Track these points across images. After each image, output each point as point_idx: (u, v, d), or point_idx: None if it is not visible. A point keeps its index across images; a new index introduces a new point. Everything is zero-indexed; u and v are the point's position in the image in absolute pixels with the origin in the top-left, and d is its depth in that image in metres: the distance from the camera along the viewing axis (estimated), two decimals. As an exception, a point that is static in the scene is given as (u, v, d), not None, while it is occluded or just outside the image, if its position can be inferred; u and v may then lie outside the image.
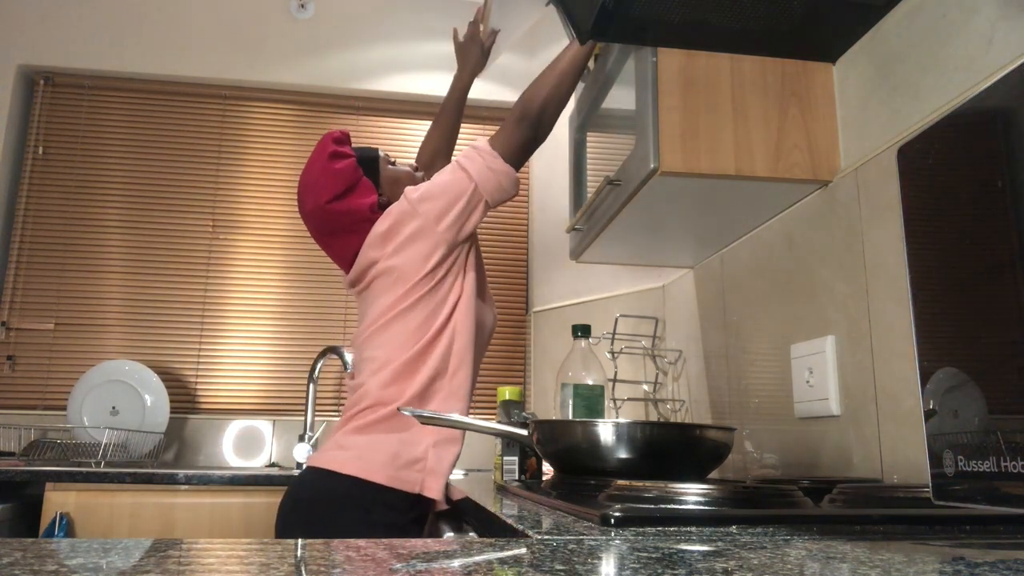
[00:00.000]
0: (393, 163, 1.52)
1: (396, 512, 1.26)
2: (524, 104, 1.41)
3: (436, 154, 1.78)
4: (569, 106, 1.66)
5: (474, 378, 1.41)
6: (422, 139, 1.88)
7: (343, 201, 1.41)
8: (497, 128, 1.45)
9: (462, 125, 3.02)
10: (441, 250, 1.37)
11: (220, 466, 2.59)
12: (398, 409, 1.23)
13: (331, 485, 1.26)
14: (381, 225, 1.40)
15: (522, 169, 3.31)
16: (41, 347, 2.69)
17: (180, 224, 2.84)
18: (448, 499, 1.33)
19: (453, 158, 1.49)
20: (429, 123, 3.05)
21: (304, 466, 1.38)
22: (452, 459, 1.32)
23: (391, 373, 1.33)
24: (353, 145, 1.49)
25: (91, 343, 2.71)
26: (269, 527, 2.06)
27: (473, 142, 1.44)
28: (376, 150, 1.50)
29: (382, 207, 1.44)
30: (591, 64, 1.59)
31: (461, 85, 1.82)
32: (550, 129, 1.44)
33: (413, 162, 1.58)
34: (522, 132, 1.41)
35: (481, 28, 1.80)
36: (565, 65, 1.43)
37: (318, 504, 1.26)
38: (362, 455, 1.27)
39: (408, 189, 1.42)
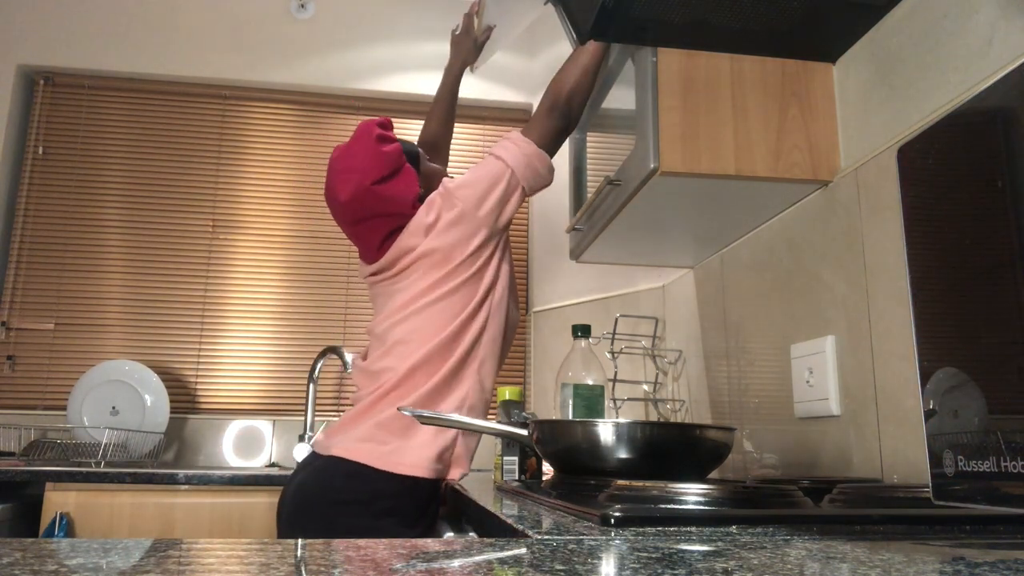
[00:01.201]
0: (428, 159, 1.54)
1: (408, 520, 1.26)
2: (554, 94, 1.46)
3: (434, 145, 1.78)
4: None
5: (497, 371, 1.44)
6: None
7: (387, 184, 1.40)
8: (518, 125, 1.49)
9: (467, 126, 3.05)
10: (482, 234, 1.39)
11: (220, 466, 2.60)
12: (398, 409, 1.23)
13: (355, 479, 1.25)
14: (425, 216, 1.40)
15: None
16: (41, 347, 2.69)
17: (180, 224, 2.84)
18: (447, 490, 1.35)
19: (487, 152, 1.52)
20: (429, 123, 3.05)
21: (316, 452, 1.35)
22: (475, 445, 1.38)
23: (423, 355, 1.33)
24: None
25: (91, 343, 2.71)
26: (269, 527, 2.06)
27: (506, 134, 1.48)
28: (415, 145, 1.51)
29: (420, 198, 1.45)
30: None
31: (452, 75, 1.84)
32: (579, 118, 1.50)
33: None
34: (553, 121, 1.45)
35: (476, 22, 1.81)
36: (587, 56, 1.48)
37: (336, 498, 1.24)
38: (396, 450, 1.27)
39: (446, 180, 1.45)
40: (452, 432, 1.33)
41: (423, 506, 1.28)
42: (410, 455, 1.26)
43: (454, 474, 1.33)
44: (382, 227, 1.41)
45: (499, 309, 1.42)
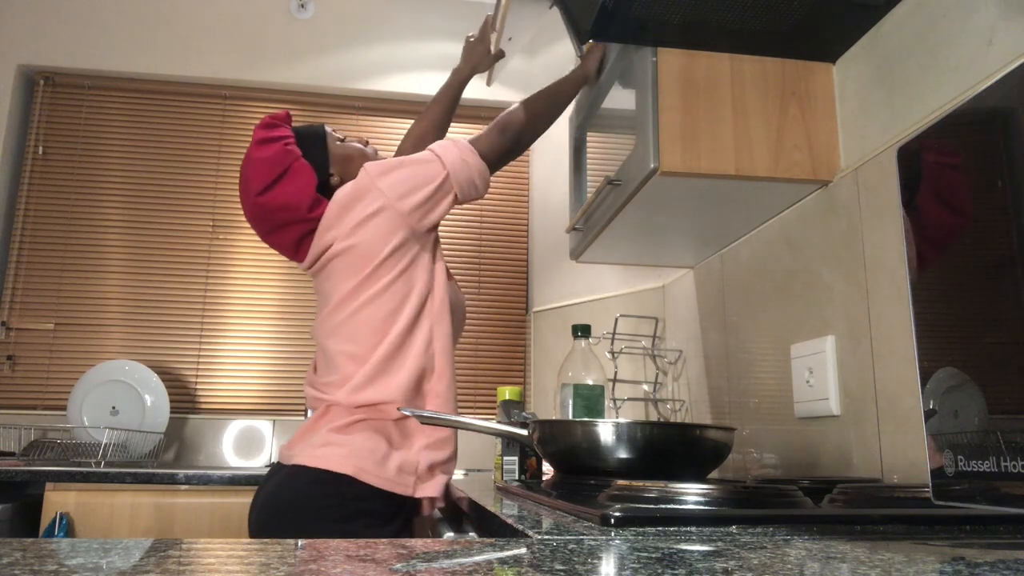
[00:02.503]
0: (342, 140, 1.44)
1: (381, 520, 1.22)
2: (510, 115, 1.41)
3: (421, 141, 1.69)
4: (569, 106, 1.67)
5: (453, 365, 1.37)
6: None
7: (273, 192, 1.31)
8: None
9: (467, 126, 3.05)
10: (402, 233, 1.30)
11: (220, 466, 2.60)
12: (398, 409, 1.22)
13: (321, 484, 1.20)
14: (336, 204, 1.32)
15: (522, 169, 3.30)
16: (41, 347, 2.69)
17: (180, 224, 2.84)
18: (444, 499, 1.31)
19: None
20: (429, 123, 3.05)
21: (279, 462, 1.31)
22: (444, 459, 1.29)
23: (367, 373, 1.26)
24: (296, 125, 1.40)
25: (91, 343, 2.71)
26: (269, 527, 2.06)
27: (450, 136, 1.41)
28: (322, 126, 1.41)
29: (334, 187, 1.37)
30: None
31: (460, 78, 1.76)
32: (527, 147, 1.45)
33: (365, 139, 1.50)
34: (504, 140, 1.40)
35: (494, 37, 1.78)
36: (562, 95, 1.46)
37: (305, 504, 1.20)
38: (355, 452, 1.21)
39: (368, 164, 1.35)
40: (416, 447, 1.26)
41: (395, 506, 1.24)
42: (371, 465, 1.21)
43: (424, 490, 1.25)
44: (288, 235, 1.35)
45: (443, 316, 1.33)
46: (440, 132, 1.74)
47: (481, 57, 1.78)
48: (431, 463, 1.27)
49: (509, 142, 1.40)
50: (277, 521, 1.21)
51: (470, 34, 1.82)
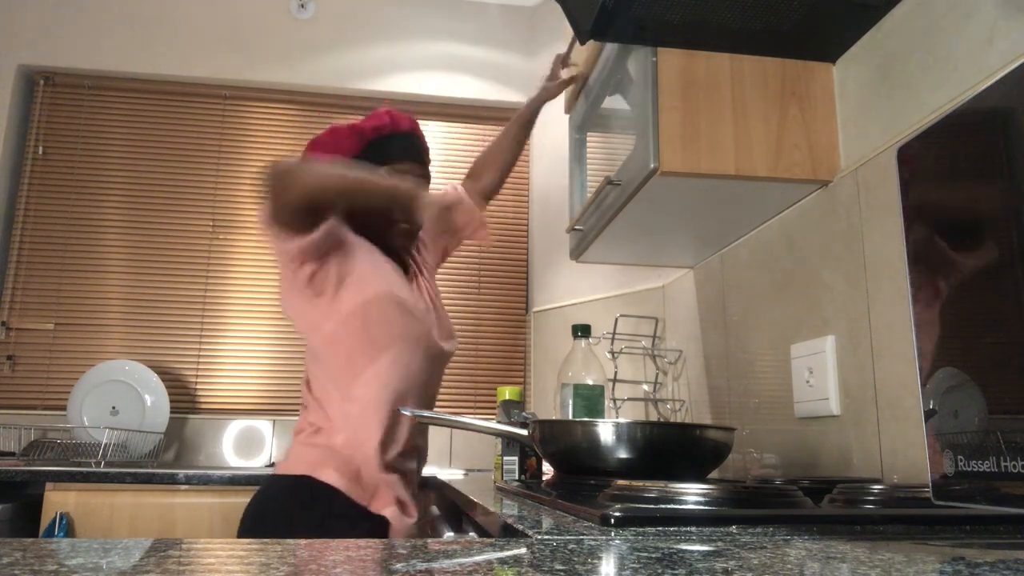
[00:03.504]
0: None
1: (349, 522, 1.25)
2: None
3: (483, 166, 1.79)
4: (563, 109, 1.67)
5: (424, 404, 1.38)
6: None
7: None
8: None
9: (466, 126, 3.05)
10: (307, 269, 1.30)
11: (220, 466, 2.60)
12: (398, 409, 1.22)
13: (295, 490, 1.26)
14: None
15: (522, 169, 3.30)
16: (41, 347, 2.69)
17: (180, 224, 2.84)
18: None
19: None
20: (429, 123, 3.05)
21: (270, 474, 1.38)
22: (402, 476, 1.32)
23: (337, 427, 1.30)
24: (399, 136, 1.44)
25: (91, 343, 2.71)
26: (269, 527, 2.06)
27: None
28: (414, 156, 1.45)
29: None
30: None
31: (531, 108, 1.80)
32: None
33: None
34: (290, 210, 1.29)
35: (570, 74, 1.75)
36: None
37: (282, 509, 1.25)
38: (321, 459, 1.27)
39: None
40: (380, 463, 1.28)
41: (353, 519, 1.26)
42: (336, 464, 1.26)
43: (378, 506, 1.27)
44: None
45: (391, 373, 1.30)
46: (497, 162, 1.80)
47: (553, 94, 1.78)
48: (388, 482, 1.29)
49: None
50: (259, 529, 1.26)
51: (545, 75, 1.81)
